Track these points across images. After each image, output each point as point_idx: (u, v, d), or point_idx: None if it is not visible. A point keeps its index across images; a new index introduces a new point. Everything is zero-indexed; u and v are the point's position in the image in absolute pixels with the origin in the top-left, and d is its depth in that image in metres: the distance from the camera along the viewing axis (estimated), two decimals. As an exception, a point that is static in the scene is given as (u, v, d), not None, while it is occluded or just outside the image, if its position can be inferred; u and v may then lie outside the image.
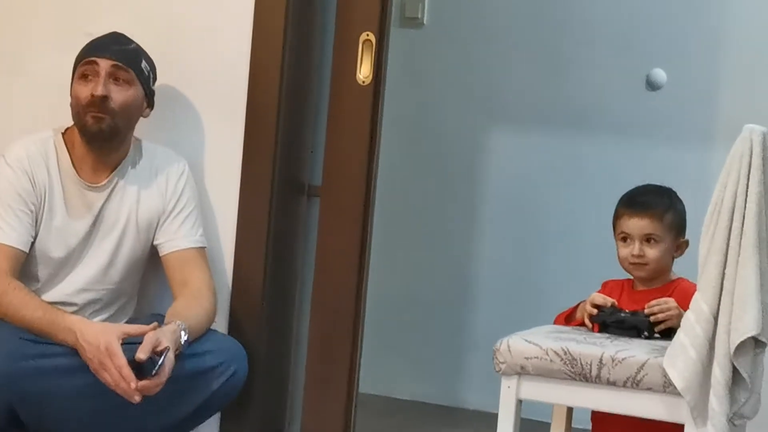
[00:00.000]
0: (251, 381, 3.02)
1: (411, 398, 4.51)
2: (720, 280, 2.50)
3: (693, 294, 2.55)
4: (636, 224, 2.92)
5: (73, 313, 2.90)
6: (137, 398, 2.67)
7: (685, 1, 4.30)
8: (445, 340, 4.51)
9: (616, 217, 2.98)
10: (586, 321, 2.89)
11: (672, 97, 4.28)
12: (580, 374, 2.61)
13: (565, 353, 2.62)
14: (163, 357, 2.69)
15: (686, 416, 2.52)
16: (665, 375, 2.52)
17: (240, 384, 2.95)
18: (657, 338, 2.77)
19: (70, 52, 3.02)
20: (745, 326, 2.45)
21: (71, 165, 3.00)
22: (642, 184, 3.03)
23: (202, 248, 3.06)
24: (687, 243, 2.96)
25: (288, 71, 3.19)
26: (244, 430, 3.20)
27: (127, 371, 2.66)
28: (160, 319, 2.84)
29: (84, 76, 2.95)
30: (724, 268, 2.50)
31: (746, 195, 2.49)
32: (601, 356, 2.59)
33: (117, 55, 2.96)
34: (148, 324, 2.77)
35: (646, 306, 2.82)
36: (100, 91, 2.91)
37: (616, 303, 2.88)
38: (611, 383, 2.59)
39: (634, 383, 2.56)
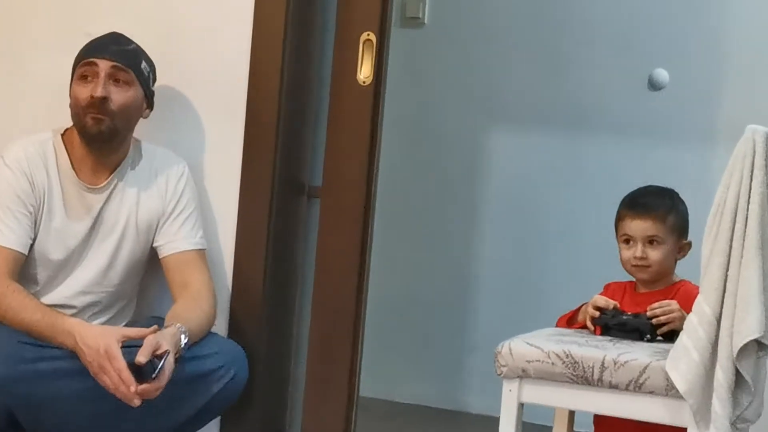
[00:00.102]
0: (251, 382, 3.01)
1: (411, 400, 4.51)
2: (723, 282, 2.49)
3: (695, 296, 2.55)
4: (638, 226, 2.92)
5: (73, 315, 2.89)
6: (137, 402, 2.65)
7: (685, 1, 4.30)
8: (446, 341, 4.51)
9: (619, 219, 2.97)
10: (588, 323, 2.88)
11: (672, 97, 4.27)
12: (582, 377, 2.60)
13: (567, 356, 2.61)
14: (163, 360, 2.68)
15: (689, 419, 2.51)
16: (668, 378, 2.51)
17: (240, 387, 2.94)
18: (659, 341, 2.77)
19: (70, 52, 3.01)
20: (748, 329, 2.44)
21: (70, 166, 2.99)
22: (644, 186, 3.02)
23: (202, 250, 3.05)
24: (689, 245, 2.95)
25: (288, 71, 3.18)
26: (244, 431, 3.19)
27: (127, 374, 2.65)
28: (159, 322, 2.82)
29: (83, 77, 2.94)
30: (727, 270, 2.49)
31: (749, 196, 2.48)
32: (603, 359, 2.58)
33: (117, 56, 2.95)
34: (147, 327, 2.76)
35: (648, 308, 2.81)
36: (99, 92, 2.90)
37: (618, 305, 2.87)
38: (613, 386, 2.58)
39: (636, 386, 2.56)
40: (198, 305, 2.92)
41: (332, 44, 3.24)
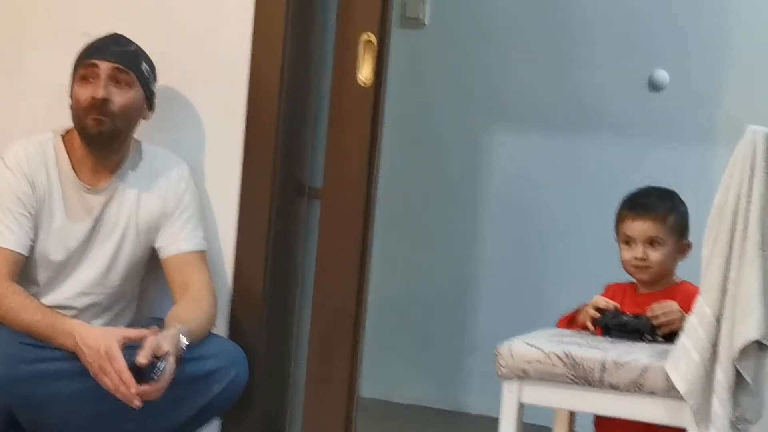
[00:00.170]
0: (251, 382, 3.01)
1: (411, 401, 4.51)
2: (723, 283, 2.50)
3: (696, 297, 2.54)
4: (639, 227, 2.91)
5: (73, 316, 2.89)
6: (137, 403, 2.65)
7: (685, 1, 4.29)
8: (446, 342, 4.51)
9: (619, 220, 2.97)
10: (589, 324, 2.88)
11: (672, 97, 4.27)
12: (582, 378, 2.60)
13: (567, 357, 2.61)
14: (163, 362, 2.68)
15: (689, 420, 2.51)
16: (668, 379, 2.51)
17: (240, 388, 2.94)
18: (660, 342, 2.77)
19: (70, 53, 3.00)
20: (748, 329, 2.45)
21: (71, 167, 2.99)
22: (644, 186, 3.02)
23: (203, 251, 3.05)
24: (690, 245, 2.95)
25: (288, 72, 3.18)
26: (244, 431, 3.19)
27: (127, 375, 2.65)
28: (160, 323, 2.83)
29: (84, 79, 2.94)
30: (727, 271, 2.49)
31: (749, 197, 2.48)
32: (604, 360, 2.59)
33: (117, 57, 2.94)
34: (148, 328, 2.76)
35: (648, 309, 2.81)
36: (100, 94, 2.90)
37: (619, 306, 2.87)
38: (613, 387, 2.58)
39: (636, 387, 2.56)
40: (198, 306, 2.92)
41: (332, 45, 3.23)
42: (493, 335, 2.86)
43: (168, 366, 2.68)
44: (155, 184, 3.04)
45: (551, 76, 4.41)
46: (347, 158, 3.19)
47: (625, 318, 2.82)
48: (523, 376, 2.65)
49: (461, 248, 4.53)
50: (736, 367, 2.46)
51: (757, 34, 4.16)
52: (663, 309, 2.78)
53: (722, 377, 2.46)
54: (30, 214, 2.93)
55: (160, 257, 3.03)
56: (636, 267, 2.93)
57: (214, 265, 3.12)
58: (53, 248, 2.96)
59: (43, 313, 2.79)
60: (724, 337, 2.47)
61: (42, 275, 2.97)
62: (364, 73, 3.15)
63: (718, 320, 2.49)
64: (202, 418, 2.93)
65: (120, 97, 2.93)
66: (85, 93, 2.92)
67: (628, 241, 2.94)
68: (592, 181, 4.31)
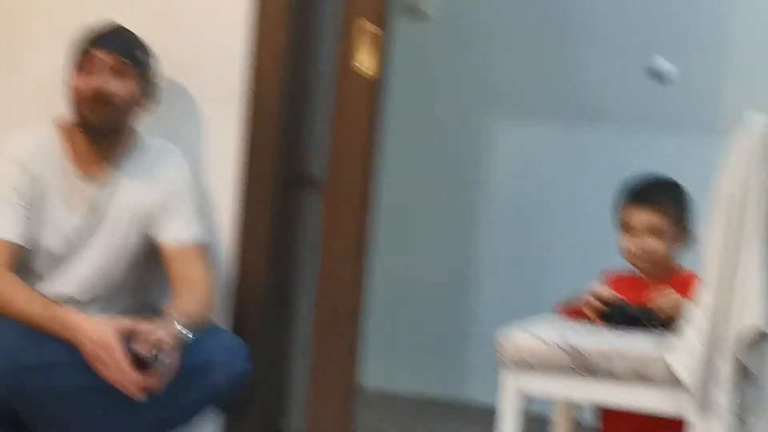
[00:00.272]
0: (252, 377, 3.00)
1: (413, 392, 4.50)
2: (724, 273, 2.48)
3: (698, 286, 2.54)
4: (641, 217, 2.91)
5: (78, 309, 2.88)
6: (137, 393, 2.66)
7: (688, -8, 4.30)
8: (447, 332, 4.51)
9: (620, 208, 2.96)
10: (589, 313, 2.87)
11: (676, 88, 4.27)
12: (583, 367, 2.59)
13: (568, 346, 2.60)
14: (163, 352, 2.67)
15: (691, 410, 2.50)
16: (669, 368, 2.50)
17: (240, 379, 2.93)
18: (661, 331, 2.76)
19: (70, 52, 3.01)
20: (750, 319, 2.44)
21: (70, 158, 2.98)
22: (646, 174, 3.01)
23: (201, 242, 3.05)
24: (692, 235, 2.94)
25: (289, 63, 3.17)
26: (245, 426, 3.19)
27: (127, 366, 2.65)
28: (159, 314, 2.82)
29: (84, 69, 2.94)
30: (728, 260, 2.48)
31: (748, 186, 2.47)
32: (605, 349, 2.58)
33: (118, 49, 2.94)
34: (148, 319, 2.75)
35: (649, 298, 2.80)
36: (100, 85, 2.90)
37: (620, 295, 2.86)
38: (614, 376, 2.57)
39: (637, 376, 2.55)
40: (197, 296, 2.92)
41: (334, 34, 3.22)
42: (494, 326, 2.85)
43: (168, 357, 2.68)
44: (153, 174, 3.03)
45: (555, 67, 4.40)
46: (349, 151, 3.18)
47: (626, 307, 2.81)
48: (524, 365, 2.64)
49: (463, 239, 4.53)
50: (738, 357, 2.46)
51: (761, 24, 4.16)
52: (664, 297, 2.78)
53: (724, 367, 2.45)
54: (29, 205, 2.92)
55: (159, 248, 3.01)
56: (636, 256, 2.92)
57: (215, 257, 3.12)
58: (53, 240, 2.95)
59: (43, 305, 2.78)
60: (725, 326, 2.47)
61: (42, 267, 2.96)
62: (367, 65, 3.14)
63: (720, 309, 2.48)
64: (202, 408, 2.92)
65: (120, 89, 2.93)
66: (85, 84, 2.92)
67: (628, 229, 2.93)
68: (595, 173, 4.31)
